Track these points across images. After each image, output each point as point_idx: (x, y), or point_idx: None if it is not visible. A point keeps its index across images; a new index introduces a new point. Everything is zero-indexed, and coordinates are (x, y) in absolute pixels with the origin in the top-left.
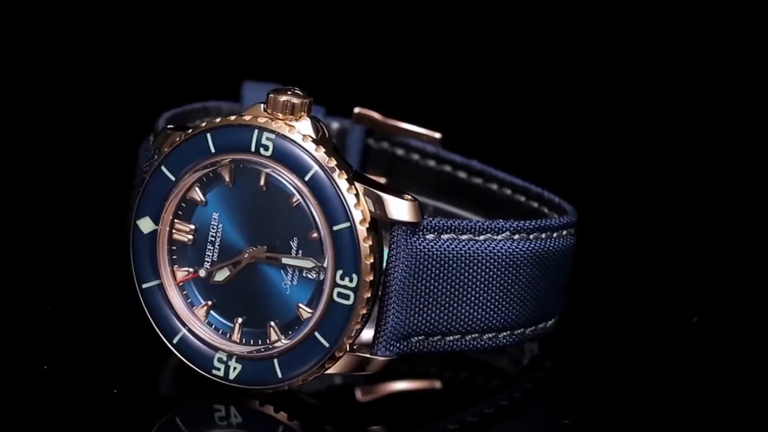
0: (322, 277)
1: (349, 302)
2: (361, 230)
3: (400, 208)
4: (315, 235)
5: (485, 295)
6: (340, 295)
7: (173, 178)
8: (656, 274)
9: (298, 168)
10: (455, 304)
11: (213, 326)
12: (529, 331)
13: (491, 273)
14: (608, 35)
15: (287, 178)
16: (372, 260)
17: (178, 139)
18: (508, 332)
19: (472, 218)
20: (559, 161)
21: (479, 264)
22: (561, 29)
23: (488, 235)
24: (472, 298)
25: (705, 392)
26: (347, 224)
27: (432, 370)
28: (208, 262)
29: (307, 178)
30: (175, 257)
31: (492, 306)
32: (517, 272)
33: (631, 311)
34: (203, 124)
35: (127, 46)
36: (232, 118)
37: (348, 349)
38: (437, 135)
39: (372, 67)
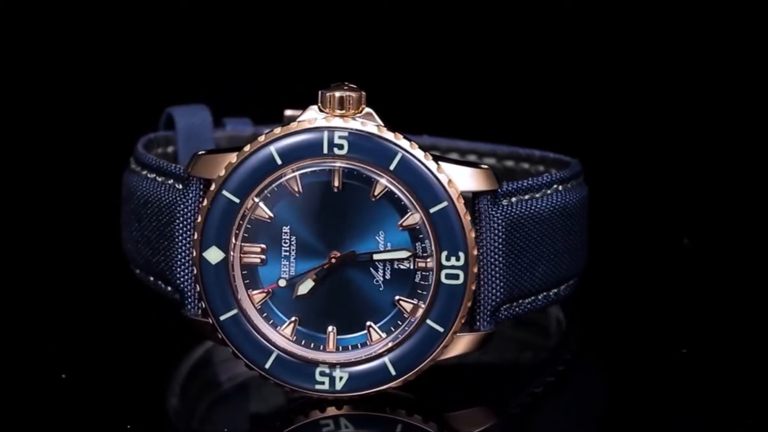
0: (421, 264)
1: (459, 281)
2: (460, 206)
3: (482, 179)
4: (407, 222)
5: (552, 250)
6: (448, 276)
7: (237, 200)
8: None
9: (380, 159)
10: (532, 265)
11: (303, 342)
12: (575, 280)
13: (554, 227)
14: None
15: (368, 171)
16: (474, 234)
17: (233, 160)
18: (565, 284)
19: None
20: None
21: (544, 220)
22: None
23: (543, 190)
24: (543, 256)
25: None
26: (445, 204)
27: None
28: (284, 278)
29: (392, 167)
30: (248, 281)
31: (557, 260)
32: (570, 222)
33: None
34: (262, 138)
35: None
36: (294, 125)
37: (459, 329)
38: None
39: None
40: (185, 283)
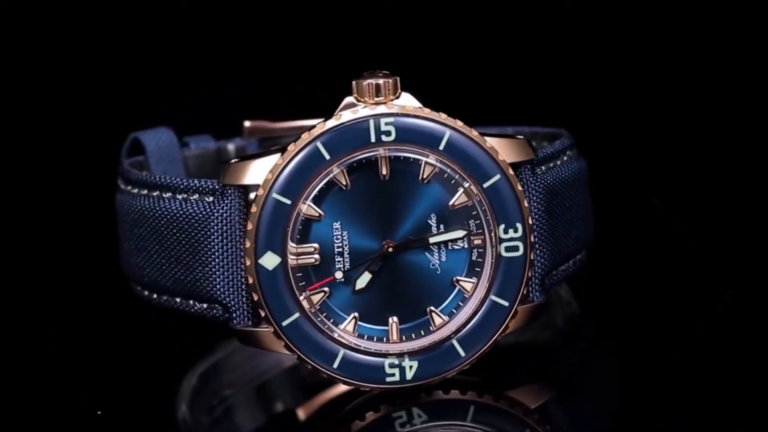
0: (477, 242)
1: (519, 253)
2: (512, 177)
3: (521, 149)
4: (458, 201)
5: (578, 214)
6: (508, 249)
7: (288, 202)
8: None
9: (429, 140)
10: (566, 231)
11: (366, 336)
12: (589, 247)
13: (576, 191)
14: None
15: (416, 154)
16: (526, 204)
17: (279, 161)
18: (584, 251)
19: None
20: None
21: (569, 185)
22: None
23: (561, 157)
24: (573, 221)
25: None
26: (498, 176)
27: None
28: (341, 270)
29: (441, 147)
30: (304, 283)
31: (581, 224)
32: (585, 186)
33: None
34: (306, 136)
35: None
36: (341, 118)
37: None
38: None
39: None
40: (230, 295)
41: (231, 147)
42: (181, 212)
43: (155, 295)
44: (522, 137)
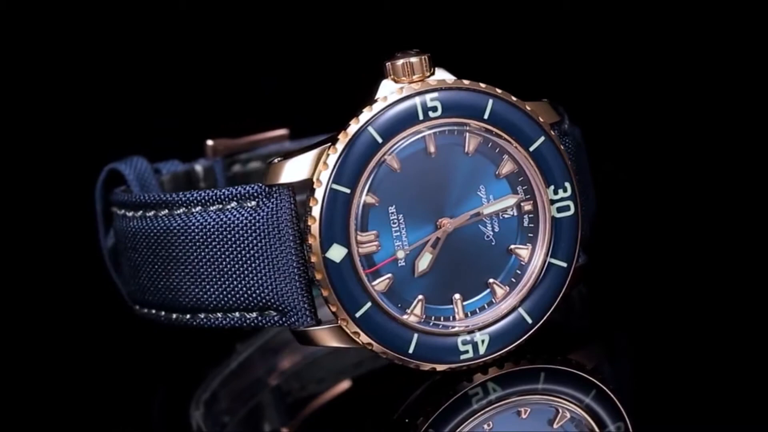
0: (527, 207)
1: (571, 212)
2: (554, 137)
3: (549, 111)
4: (504, 170)
5: (589, 176)
6: (560, 209)
7: (348, 191)
8: None
9: (474, 111)
10: (587, 191)
11: (434, 317)
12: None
13: (585, 155)
14: None
15: (460, 127)
16: (570, 162)
17: (331, 151)
18: (589, 226)
19: None
20: None
21: (580, 147)
22: None
23: (565, 121)
24: (588, 182)
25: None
26: (542, 138)
27: None
28: (403, 249)
29: (486, 116)
30: (368, 271)
31: (591, 194)
32: (585, 159)
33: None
34: (353, 122)
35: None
36: (386, 99)
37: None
38: (284, 131)
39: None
40: (287, 298)
41: (199, 168)
42: (218, 224)
43: (188, 316)
44: (546, 100)
